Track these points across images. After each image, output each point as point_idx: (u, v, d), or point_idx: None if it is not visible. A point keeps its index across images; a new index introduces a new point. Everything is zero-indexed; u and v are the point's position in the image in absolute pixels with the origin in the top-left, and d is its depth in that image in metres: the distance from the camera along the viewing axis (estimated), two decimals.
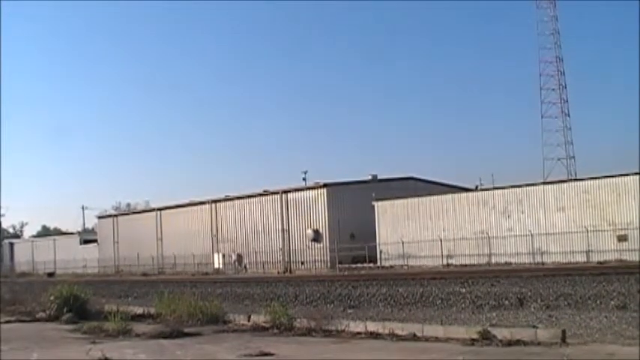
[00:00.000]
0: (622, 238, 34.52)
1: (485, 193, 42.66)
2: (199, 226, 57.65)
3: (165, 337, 12.72)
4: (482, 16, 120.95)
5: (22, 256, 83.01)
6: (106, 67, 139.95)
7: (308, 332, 12.80)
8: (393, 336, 11.69)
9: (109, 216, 73.66)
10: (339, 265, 43.63)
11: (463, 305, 19.07)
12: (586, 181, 37.88)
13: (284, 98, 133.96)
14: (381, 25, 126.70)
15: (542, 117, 67.86)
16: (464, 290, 21.29)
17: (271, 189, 52.57)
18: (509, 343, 10.22)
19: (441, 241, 40.73)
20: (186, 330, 13.58)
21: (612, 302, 16.94)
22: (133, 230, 65.04)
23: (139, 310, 17.85)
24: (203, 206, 58.05)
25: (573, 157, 67.55)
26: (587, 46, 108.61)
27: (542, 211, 38.16)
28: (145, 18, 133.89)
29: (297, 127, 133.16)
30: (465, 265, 38.20)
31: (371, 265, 42.78)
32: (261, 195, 53.10)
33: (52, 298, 17.81)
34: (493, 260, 38.33)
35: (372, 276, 31.87)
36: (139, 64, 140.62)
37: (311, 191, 49.32)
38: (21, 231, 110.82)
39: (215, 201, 57.05)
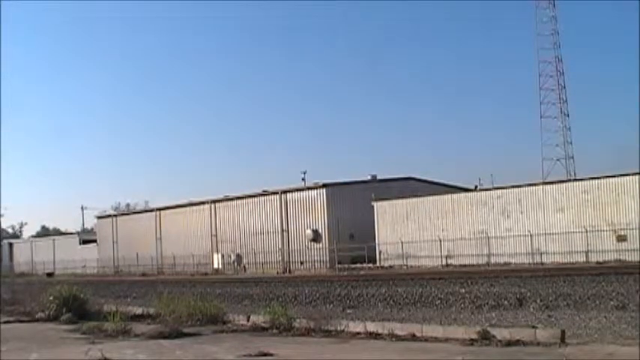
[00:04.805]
0: (621, 239, 34.55)
1: (484, 193, 42.68)
2: (199, 227, 57.63)
3: (164, 338, 12.70)
4: (481, 16, 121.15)
5: (22, 256, 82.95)
6: (106, 67, 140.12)
7: (307, 332, 12.78)
8: (393, 336, 11.68)
9: (109, 216, 73.63)
10: (339, 265, 43.62)
11: (462, 305, 19.06)
12: (585, 182, 37.90)
13: (284, 98, 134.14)
14: (380, 24, 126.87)
15: (541, 117, 67.94)
16: (463, 290, 21.29)
17: (270, 189, 52.55)
18: (509, 344, 10.21)
19: (441, 241, 40.75)
20: (185, 330, 13.55)
21: (611, 302, 16.94)
22: (132, 230, 65.02)
23: (139, 311, 17.80)
24: (202, 206, 58.04)
25: (572, 157, 67.63)
26: (586, 46, 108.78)
27: (541, 211, 38.18)
28: (144, 19, 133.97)
29: (297, 127, 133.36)
30: (465, 265, 38.21)
31: (370, 265, 42.78)
32: (260, 195, 53.08)
33: (51, 298, 17.75)
34: (492, 260, 38.36)
35: (372, 276, 31.86)
36: (139, 64, 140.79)
37: (310, 191, 49.31)
38: (20, 231, 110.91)
39: (214, 201, 57.03)
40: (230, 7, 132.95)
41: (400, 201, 44.24)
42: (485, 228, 39.76)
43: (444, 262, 40.12)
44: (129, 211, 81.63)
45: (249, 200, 53.73)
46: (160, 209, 63.78)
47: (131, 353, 10.95)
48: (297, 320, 13.39)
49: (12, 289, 25.99)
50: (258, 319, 14.39)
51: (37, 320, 17.52)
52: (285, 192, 50.72)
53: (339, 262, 44.03)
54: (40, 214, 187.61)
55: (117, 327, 13.70)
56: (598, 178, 36.90)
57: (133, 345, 11.97)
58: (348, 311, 19.17)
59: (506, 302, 18.53)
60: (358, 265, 43.04)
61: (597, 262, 32.63)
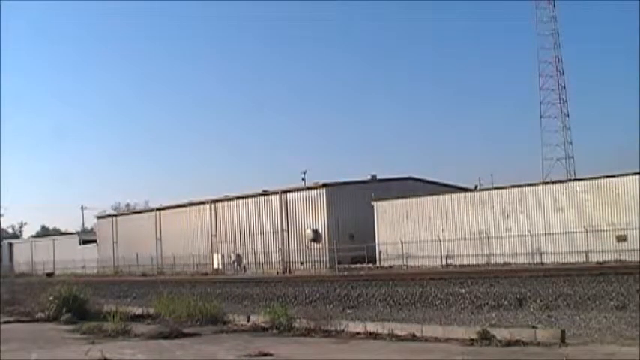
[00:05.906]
0: (621, 239, 34.54)
1: (484, 193, 42.66)
2: (198, 227, 57.63)
3: (164, 338, 12.70)
4: (481, 16, 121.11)
5: (22, 256, 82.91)
6: (105, 67, 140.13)
7: (307, 332, 12.78)
8: (393, 336, 11.67)
9: (109, 216, 73.64)
10: (339, 265, 43.61)
11: (462, 305, 19.08)
12: (585, 182, 37.89)
13: (283, 98, 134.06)
14: (380, 24, 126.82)
15: (541, 117, 67.84)
16: (463, 290, 21.32)
17: (270, 189, 52.56)
18: (509, 344, 10.21)
19: (441, 241, 40.74)
20: (185, 330, 13.55)
21: (611, 302, 16.97)
22: (132, 230, 65.02)
23: (138, 311, 17.78)
24: (202, 206, 58.05)
25: (572, 157, 67.58)
26: (586, 46, 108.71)
27: (541, 211, 38.18)
28: (144, 19, 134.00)
29: (297, 128, 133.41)
30: (464, 266, 38.20)
31: (370, 265, 42.78)
32: (260, 195, 53.09)
33: (51, 298, 17.72)
34: (492, 260, 38.36)
35: (372, 276, 31.88)
36: (138, 64, 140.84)
37: (310, 191, 49.31)
38: (20, 231, 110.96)
39: (214, 201, 57.03)
40: (230, 7, 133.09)
41: (400, 201, 44.24)
42: (485, 228, 39.75)
43: (444, 262, 40.12)
44: (129, 211, 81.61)
45: (249, 200, 53.73)
46: (159, 209, 63.78)
47: (131, 353, 10.95)
48: (297, 320, 13.38)
49: (12, 289, 25.99)
50: (258, 319, 14.39)
51: (37, 320, 17.51)
52: (285, 192, 50.71)
53: (339, 262, 44.02)
54: (40, 214, 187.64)
55: (117, 327, 13.68)
56: (598, 178, 36.90)
57: (133, 345, 11.97)
58: (348, 311, 19.19)
59: (506, 302, 18.55)
60: (358, 265, 43.03)
61: (597, 262, 32.61)
